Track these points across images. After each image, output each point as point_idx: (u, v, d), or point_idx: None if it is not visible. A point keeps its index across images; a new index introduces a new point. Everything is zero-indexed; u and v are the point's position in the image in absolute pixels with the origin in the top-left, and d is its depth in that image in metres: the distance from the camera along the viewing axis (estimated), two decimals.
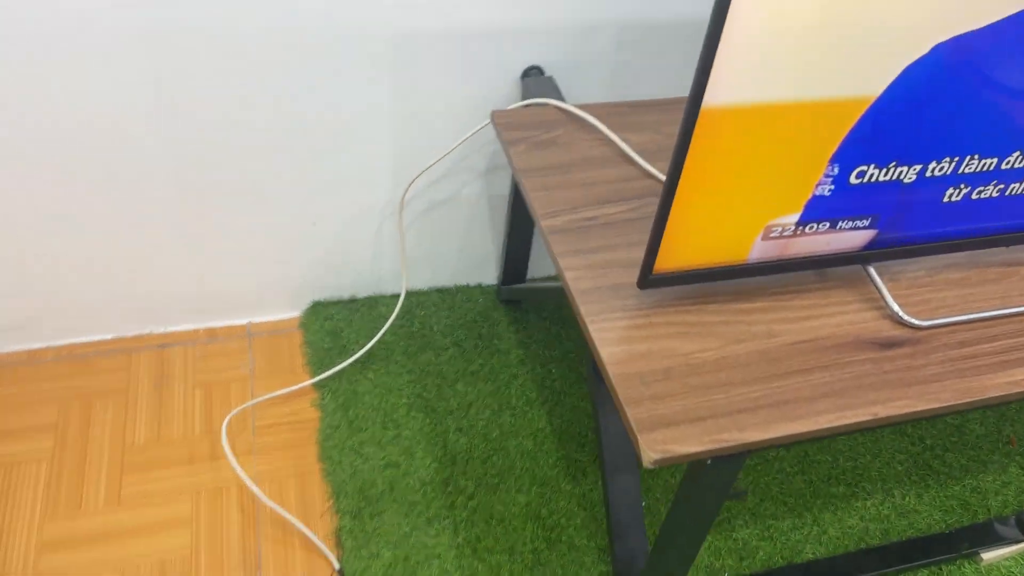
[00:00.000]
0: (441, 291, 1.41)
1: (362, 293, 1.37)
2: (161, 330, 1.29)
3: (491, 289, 1.43)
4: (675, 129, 1.02)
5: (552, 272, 1.49)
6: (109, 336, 1.27)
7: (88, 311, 1.23)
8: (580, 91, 1.18)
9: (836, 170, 0.71)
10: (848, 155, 0.70)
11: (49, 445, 1.13)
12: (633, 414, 0.70)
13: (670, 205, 0.70)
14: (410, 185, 1.22)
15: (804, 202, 0.74)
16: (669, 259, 0.75)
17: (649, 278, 0.76)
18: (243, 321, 1.33)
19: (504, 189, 1.30)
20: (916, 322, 0.82)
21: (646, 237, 0.87)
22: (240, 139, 1.09)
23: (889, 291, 0.84)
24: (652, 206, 0.91)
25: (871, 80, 0.65)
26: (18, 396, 1.18)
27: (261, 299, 1.31)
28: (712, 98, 0.63)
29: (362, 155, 1.16)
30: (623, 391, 0.72)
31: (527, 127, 1.00)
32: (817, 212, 0.75)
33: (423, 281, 1.40)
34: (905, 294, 0.85)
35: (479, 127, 1.10)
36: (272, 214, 1.19)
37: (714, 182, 0.69)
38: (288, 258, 1.26)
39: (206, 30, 0.96)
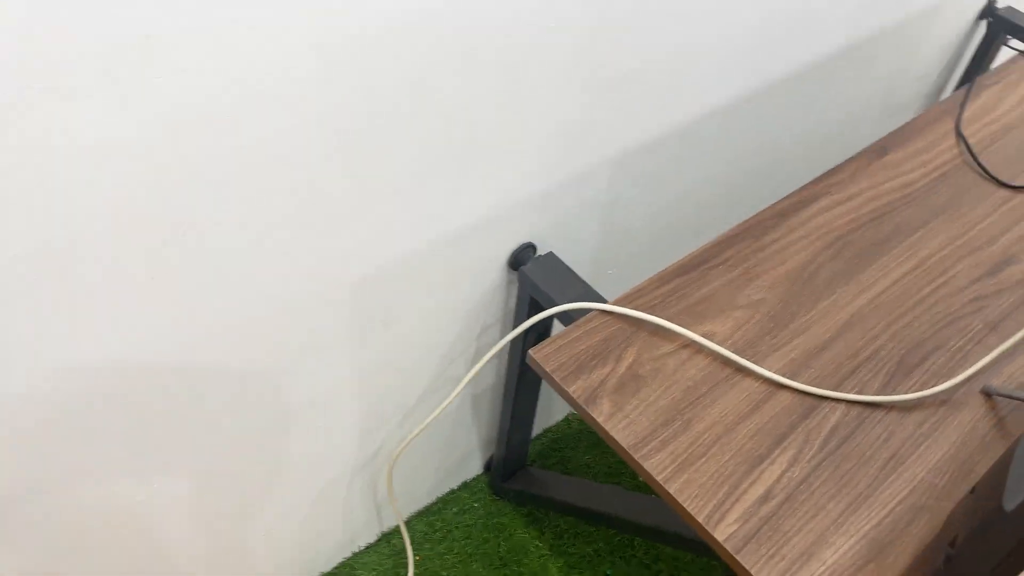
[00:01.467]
0: (426, 514, 1.08)
1: (330, 565, 1.01)
2: None
3: (479, 483, 1.12)
4: (761, 294, 0.77)
5: (551, 423, 1.20)
6: None
7: None
8: (571, 245, 0.90)
9: None
10: None
11: None
12: None
13: None
14: (395, 459, 0.87)
15: None
16: None
17: None
18: None
19: (490, 379, 0.99)
20: None
21: (854, 512, 0.63)
22: (139, 444, 0.69)
23: None
24: (821, 438, 0.67)
25: None
26: None
27: None
28: None
29: (317, 437, 0.81)
30: None
31: (586, 362, 0.71)
32: None
33: (401, 510, 1.06)
34: None
35: (472, 373, 0.78)
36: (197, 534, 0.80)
37: None
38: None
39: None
